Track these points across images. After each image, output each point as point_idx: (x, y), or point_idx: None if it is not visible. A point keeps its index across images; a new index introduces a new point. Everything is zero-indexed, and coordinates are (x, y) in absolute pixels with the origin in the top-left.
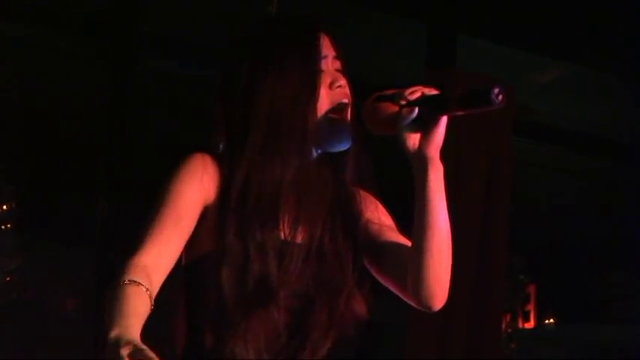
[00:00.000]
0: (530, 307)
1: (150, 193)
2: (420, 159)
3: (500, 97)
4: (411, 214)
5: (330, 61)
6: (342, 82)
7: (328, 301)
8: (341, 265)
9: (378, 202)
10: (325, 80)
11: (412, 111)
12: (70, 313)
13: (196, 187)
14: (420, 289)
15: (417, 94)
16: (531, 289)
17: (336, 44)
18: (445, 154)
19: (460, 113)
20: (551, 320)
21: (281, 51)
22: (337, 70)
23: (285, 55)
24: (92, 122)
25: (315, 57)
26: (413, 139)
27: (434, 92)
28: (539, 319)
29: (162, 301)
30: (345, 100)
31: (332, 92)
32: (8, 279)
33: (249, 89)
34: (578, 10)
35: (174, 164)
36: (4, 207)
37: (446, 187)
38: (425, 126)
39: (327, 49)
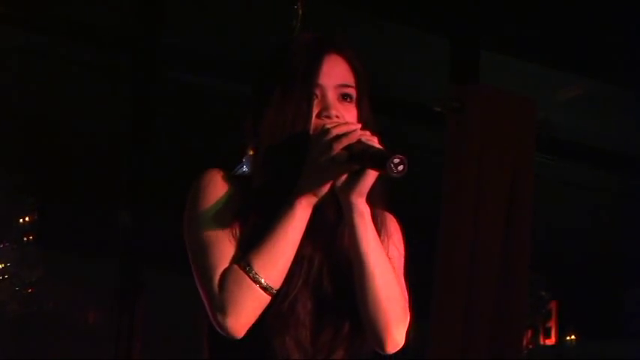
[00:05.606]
0: (552, 324)
1: (172, 204)
2: (343, 201)
3: (400, 167)
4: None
5: (328, 90)
6: (332, 111)
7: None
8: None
9: (395, 228)
10: (316, 108)
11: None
12: (92, 325)
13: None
14: (369, 333)
15: (353, 137)
16: (553, 306)
17: (354, 68)
18: (467, 170)
19: (366, 168)
20: (573, 337)
21: (286, 74)
22: (341, 97)
23: (289, 78)
24: (115, 134)
25: (308, 86)
26: (340, 181)
27: (368, 138)
28: (561, 336)
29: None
30: None
31: (319, 121)
32: (30, 290)
33: (259, 107)
34: (602, 27)
35: (192, 181)
36: (26, 219)
37: (469, 204)
38: (348, 170)
39: (327, 77)
